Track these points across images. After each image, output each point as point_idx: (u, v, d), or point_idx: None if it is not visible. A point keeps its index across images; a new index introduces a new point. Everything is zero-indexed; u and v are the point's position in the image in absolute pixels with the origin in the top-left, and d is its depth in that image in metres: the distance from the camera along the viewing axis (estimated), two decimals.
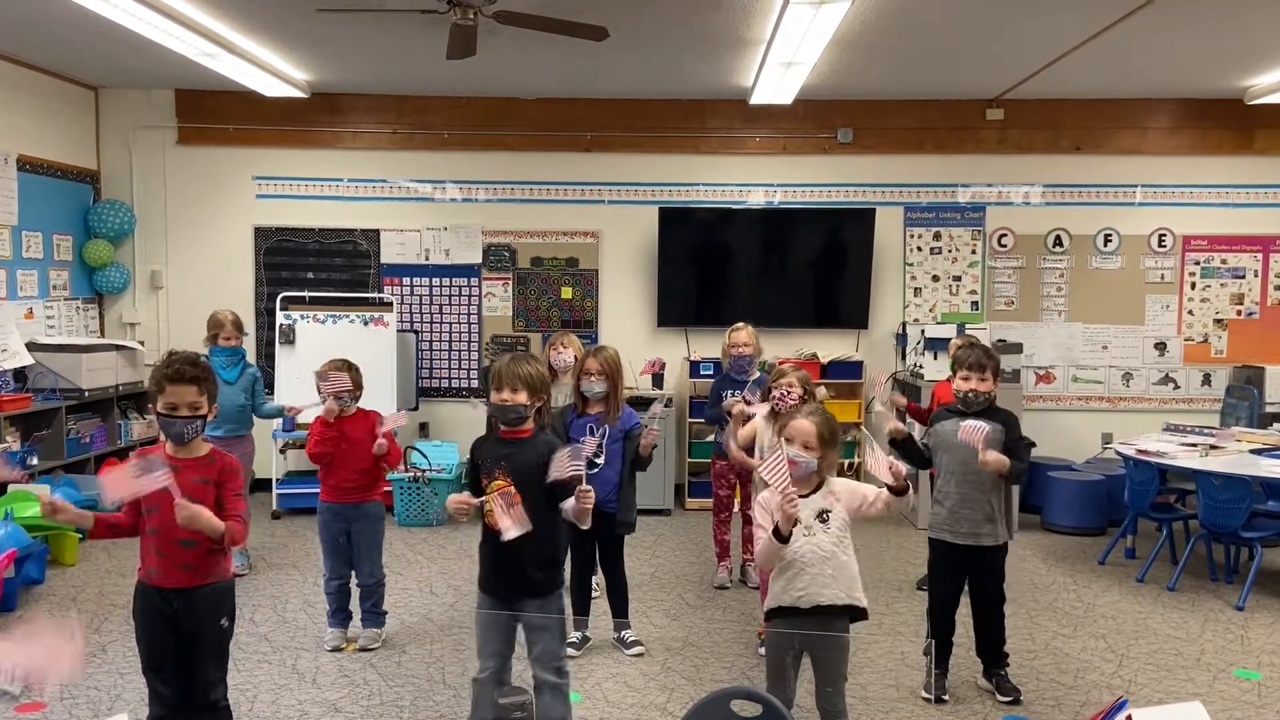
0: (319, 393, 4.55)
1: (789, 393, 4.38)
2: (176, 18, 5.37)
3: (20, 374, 6.50)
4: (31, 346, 6.61)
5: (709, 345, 7.49)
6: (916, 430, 5.79)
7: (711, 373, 7.03)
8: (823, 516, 3.15)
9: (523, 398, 3.23)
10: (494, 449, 3.30)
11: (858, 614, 3.18)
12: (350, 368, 4.56)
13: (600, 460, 4.40)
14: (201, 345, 5.51)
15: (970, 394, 3.99)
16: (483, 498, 3.21)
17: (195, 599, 3.03)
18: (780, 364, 4.70)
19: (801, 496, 3.13)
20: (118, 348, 7.07)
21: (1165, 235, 7.77)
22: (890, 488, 3.17)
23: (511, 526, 3.03)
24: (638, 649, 4.53)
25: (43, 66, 6.95)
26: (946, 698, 4.04)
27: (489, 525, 3.20)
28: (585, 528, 3.28)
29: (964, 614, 4.16)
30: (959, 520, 4.01)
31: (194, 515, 2.86)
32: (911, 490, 3.16)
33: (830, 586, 3.13)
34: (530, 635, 3.30)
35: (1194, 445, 5.98)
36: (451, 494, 3.30)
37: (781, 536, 3.02)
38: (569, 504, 3.16)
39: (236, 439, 5.39)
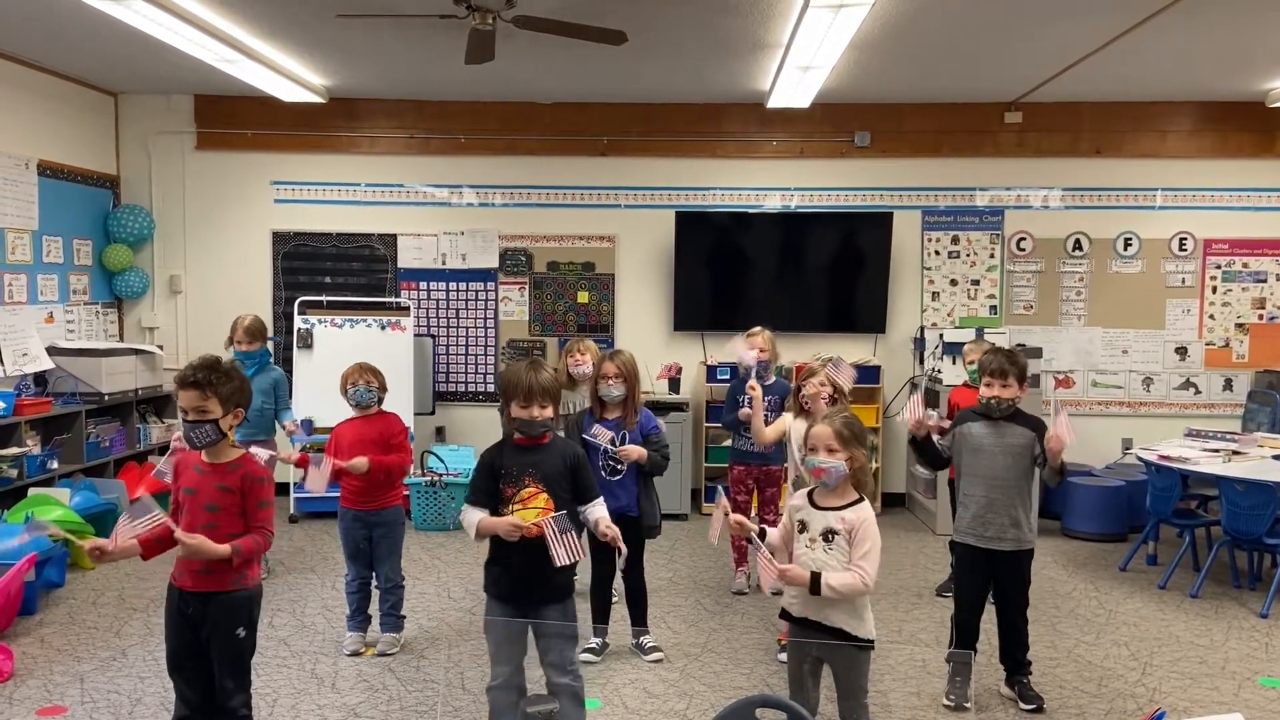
0: (345, 398, 4.61)
1: (819, 391, 4.35)
2: (196, 23, 5.39)
3: (40, 378, 6.53)
4: (52, 351, 6.65)
5: (726, 349, 7.47)
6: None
7: (728, 377, 7.01)
8: (828, 536, 3.11)
9: (549, 411, 3.24)
10: (518, 457, 3.28)
11: (855, 640, 3.10)
12: (374, 371, 4.61)
13: (623, 467, 4.39)
14: (222, 349, 5.52)
15: (993, 400, 3.97)
16: (511, 508, 3.22)
17: (211, 607, 2.99)
18: (810, 364, 4.65)
19: (834, 510, 3.12)
20: (137, 352, 7.10)
21: (1186, 239, 7.71)
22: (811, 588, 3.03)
23: (564, 554, 3.07)
24: (656, 655, 4.52)
25: (63, 72, 6.99)
26: (969, 705, 4.01)
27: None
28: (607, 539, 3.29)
29: (987, 621, 4.13)
30: (985, 524, 3.98)
31: (196, 549, 2.86)
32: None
33: (820, 606, 3.08)
34: (544, 641, 3.28)
35: (1216, 451, 5.92)
36: (490, 520, 3.20)
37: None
38: (595, 513, 3.20)
39: (255, 443, 5.39)
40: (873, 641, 3.15)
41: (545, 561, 3.12)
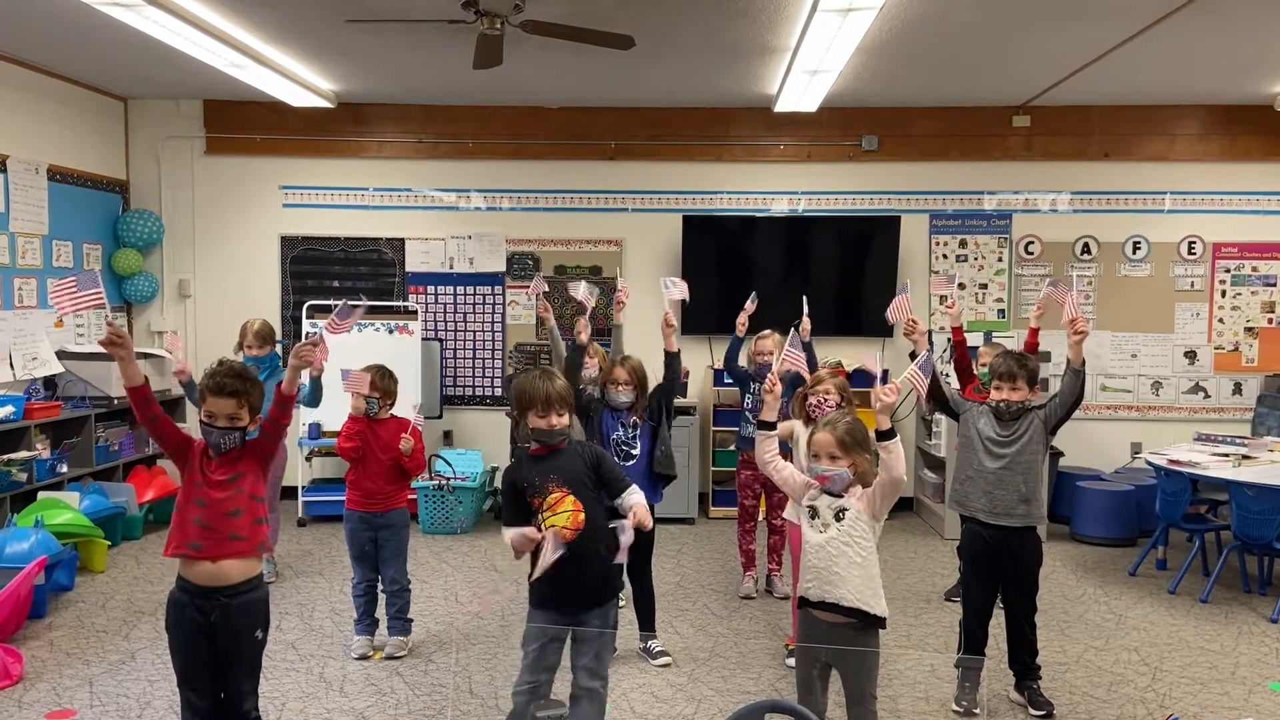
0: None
1: (825, 400, 4.35)
2: (206, 29, 5.41)
3: (50, 382, 6.56)
4: (61, 355, 6.68)
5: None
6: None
7: (733, 381, 6.99)
8: (839, 514, 3.13)
9: (566, 419, 3.24)
10: (536, 466, 3.25)
11: (871, 620, 3.12)
12: (383, 374, 4.61)
13: (636, 452, 4.42)
14: (231, 353, 5.53)
15: (1003, 403, 3.97)
16: (541, 518, 3.19)
17: (232, 610, 3.01)
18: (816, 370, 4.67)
19: (838, 494, 3.14)
20: (146, 356, 7.11)
21: (1195, 242, 7.68)
22: (879, 432, 3.11)
23: (545, 562, 3.06)
24: (664, 660, 4.51)
25: (73, 77, 7.02)
26: (978, 711, 4.00)
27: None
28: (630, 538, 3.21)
29: (995, 626, 4.12)
30: (994, 500, 3.97)
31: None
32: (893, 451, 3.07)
33: (838, 585, 3.10)
34: (580, 645, 3.26)
35: (1226, 455, 5.90)
36: (510, 532, 3.18)
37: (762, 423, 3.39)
38: (624, 528, 3.13)
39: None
40: (884, 619, 3.15)
41: (582, 563, 3.12)
